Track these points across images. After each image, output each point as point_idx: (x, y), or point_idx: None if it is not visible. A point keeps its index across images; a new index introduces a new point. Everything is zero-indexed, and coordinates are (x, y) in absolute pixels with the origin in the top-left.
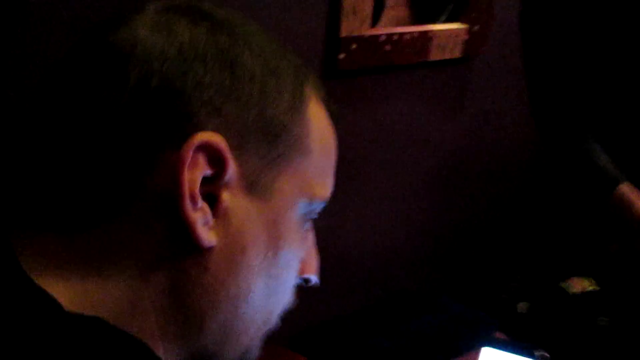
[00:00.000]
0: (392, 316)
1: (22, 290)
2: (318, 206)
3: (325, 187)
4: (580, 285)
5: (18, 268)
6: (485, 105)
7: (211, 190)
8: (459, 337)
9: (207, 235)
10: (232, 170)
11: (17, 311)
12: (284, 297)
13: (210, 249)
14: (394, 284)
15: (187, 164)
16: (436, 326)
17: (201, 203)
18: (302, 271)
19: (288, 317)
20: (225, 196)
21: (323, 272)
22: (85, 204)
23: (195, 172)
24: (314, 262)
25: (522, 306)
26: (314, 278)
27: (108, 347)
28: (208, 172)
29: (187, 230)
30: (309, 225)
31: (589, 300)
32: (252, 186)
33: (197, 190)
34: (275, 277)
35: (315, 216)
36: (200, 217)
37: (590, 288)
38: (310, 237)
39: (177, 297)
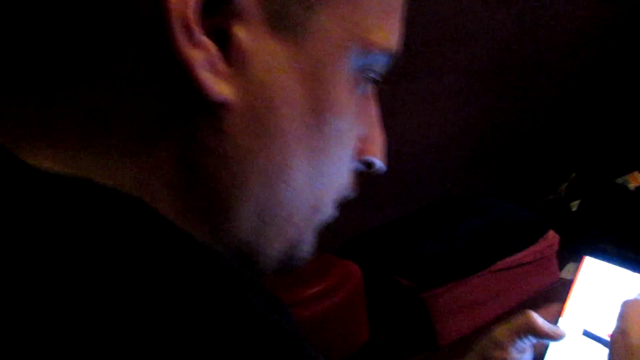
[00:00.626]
0: (439, 220)
1: (7, 171)
2: (379, 60)
3: (386, 32)
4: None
5: None
6: None
7: (217, 23)
8: (509, 236)
9: (216, 84)
10: None
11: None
12: (337, 180)
13: (226, 107)
14: (441, 188)
15: None
16: (485, 227)
17: (202, 37)
18: (362, 151)
19: (333, 226)
20: (239, 32)
21: (367, 177)
22: (54, 53)
23: None
24: (378, 141)
25: (576, 204)
26: (378, 161)
27: (120, 216)
28: None
29: (186, 76)
30: (369, 88)
31: None
32: (278, 20)
33: (190, 16)
34: (322, 151)
35: (377, 76)
36: (200, 57)
37: None
38: (374, 108)
39: (191, 171)
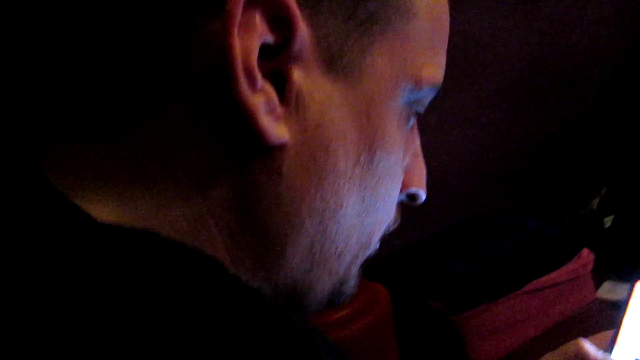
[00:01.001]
0: (468, 240)
1: (55, 211)
2: (427, 95)
3: (436, 68)
4: None
5: (47, 185)
6: (560, 6)
7: (276, 67)
8: (542, 255)
9: (275, 128)
10: (303, 35)
11: (53, 236)
12: (384, 216)
13: (281, 148)
14: (469, 207)
15: (237, 24)
16: (516, 246)
17: (262, 82)
18: (407, 184)
19: None
20: (297, 74)
21: None
22: (116, 98)
23: (250, 37)
24: (421, 173)
25: (609, 220)
26: (422, 193)
27: (174, 266)
28: (268, 38)
29: (246, 121)
30: (414, 121)
31: None
32: (333, 61)
33: (253, 63)
34: (373, 188)
35: (422, 110)
36: (262, 102)
37: None
38: (417, 140)
39: (245, 214)
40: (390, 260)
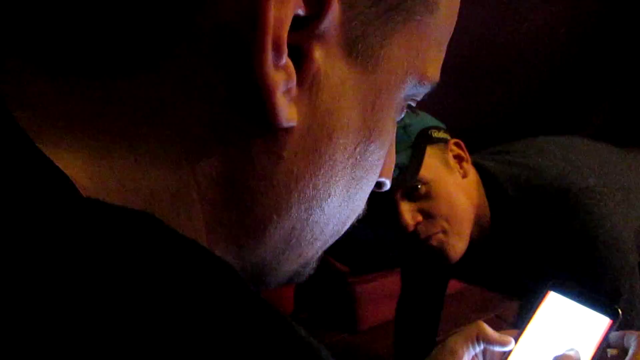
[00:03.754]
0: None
1: (22, 162)
2: (424, 90)
3: (438, 64)
4: None
5: (13, 127)
6: None
7: (298, 42)
8: None
9: (288, 109)
10: (334, 11)
11: (18, 193)
12: (360, 205)
13: (287, 131)
14: None
15: None
16: None
17: (286, 58)
18: (380, 173)
19: None
20: (318, 53)
21: None
22: (113, 26)
23: (285, 6)
24: (391, 162)
25: None
26: (387, 183)
27: (155, 254)
28: (300, 10)
29: (260, 97)
30: (401, 116)
31: None
32: (354, 45)
33: (284, 35)
34: (358, 180)
35: (414, 104)
36: (282, 80)
37: None
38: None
39: (233, 192)
40: None
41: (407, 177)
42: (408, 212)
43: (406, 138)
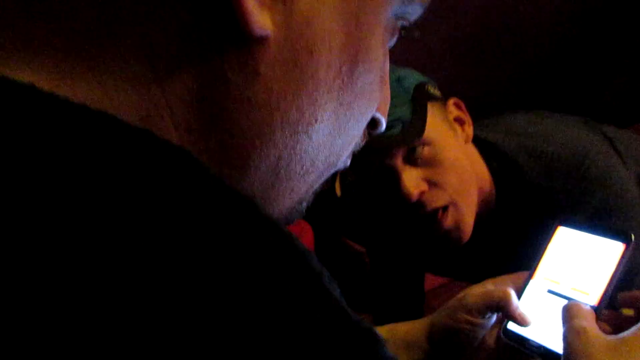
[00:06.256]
0: None
1: None
2: (414, 12)
3: None
4: None
5: None
6: None
7: None
8: None
9: (259, 15)
10: None
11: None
12: (356, 136)
13: (261, 42)
14: None
15: None
16: None
17: None
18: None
19: None
20: None
21: None
22: None
23: None
24: (386, 101)
25: None
26: (383, 122)
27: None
28: None
29: (230, 3)
30: (393, 41)
31: None
32: None
33: None
34: (348, 106)
35: (408, 25)
36: None
37: None
38: (387, 66)
39: (209, 114)
40: (315, 201)
41: (412, 132)
42: (411, 179)
43: (402, 91)
